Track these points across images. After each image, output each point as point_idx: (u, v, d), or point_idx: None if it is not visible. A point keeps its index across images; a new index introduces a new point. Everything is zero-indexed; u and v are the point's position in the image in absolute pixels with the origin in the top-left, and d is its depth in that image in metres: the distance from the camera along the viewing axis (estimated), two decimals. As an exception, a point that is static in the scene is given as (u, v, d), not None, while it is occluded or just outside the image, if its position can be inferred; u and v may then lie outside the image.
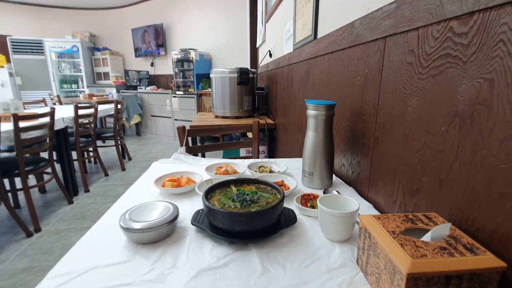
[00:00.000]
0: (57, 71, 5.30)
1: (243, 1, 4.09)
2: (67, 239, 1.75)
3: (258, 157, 1.33)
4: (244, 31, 4.18)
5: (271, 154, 2.13)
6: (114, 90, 5.15)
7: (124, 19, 5.59)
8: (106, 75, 5.51)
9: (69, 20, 5.66)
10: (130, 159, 3.57)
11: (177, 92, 4.51)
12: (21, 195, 2.14)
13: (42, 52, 5.04)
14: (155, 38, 5.06)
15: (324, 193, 0.68)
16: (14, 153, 1.84)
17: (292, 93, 1.43)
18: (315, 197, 0.62)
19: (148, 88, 5.05)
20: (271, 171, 0.82)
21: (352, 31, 0.71)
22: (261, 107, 2.35)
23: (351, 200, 0.51)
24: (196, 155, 1.13)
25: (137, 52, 5.42)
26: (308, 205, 0.60)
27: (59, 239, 1.75)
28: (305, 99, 1.15)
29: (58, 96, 3.99)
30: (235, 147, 1.37)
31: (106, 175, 2.91)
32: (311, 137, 0.71)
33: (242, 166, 0.83)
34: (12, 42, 4.81)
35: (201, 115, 2.39)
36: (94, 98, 4.57)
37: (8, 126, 1.71)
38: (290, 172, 0.84)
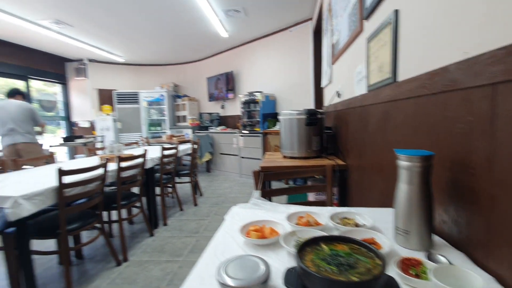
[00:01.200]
0: (147, 116, 6.26)
1: (306, 46, 4.29)
2: (149, 271, 1.89)
3: (331, 203, 1.27)
4: (307, 72, 4.31)
5: (343, 197, 2.00)
6: (190, 131, 5.77)
7: (201, 70, 6.41)
8: (184, 118, 6.25)
9: (158, 75, 6.77)
10: (201, 194, 3.81)
11: (244, 131, 4.78)
12: (111, 225, 2.46)
13: (137, 102, 6.08)
14: (226, 84, 5.61)
15: (428, 258, 0.59)
16: (111, 189, 2.17)
17: (367, 135, 1.37)
18: (418, 262, 0.55)
19: (218, 128, 5.50)
20: (356, 225, 0.76)
21: (445, 76, 0.66)
22: (329, 147, 2.29)
23: (472, 275, 0.43)
24: (269, 198, 1.14)
25: (210, 97, 6.06)
26: (411, 272, 0.53)
27: (142, 270, 1.90)
28: (387, 143, 1.08)
29: (147, 138, 4.65)
30: (310, 191, 1.34)
31: (181, 209, 3.15)
32: (405, 191, 0.65)
33: (323, 217, 0.80)
34: (116, 95, 5.96)
35: (270, 155, 2.45)
36: (174, 138, 5.18)
37: (113, 166, 2.04)
38: (378, 226, 0.77)
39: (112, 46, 5.18)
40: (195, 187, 3.74)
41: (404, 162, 0.65)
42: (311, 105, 4.21)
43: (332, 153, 2.29)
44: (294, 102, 4.60)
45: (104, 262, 2.05)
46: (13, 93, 3.34)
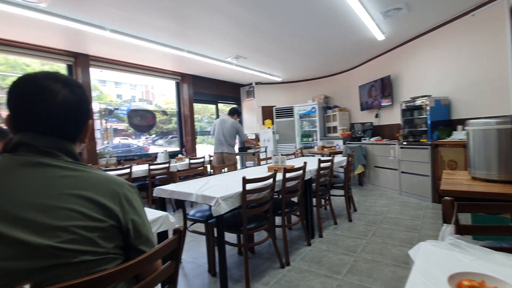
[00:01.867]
0: (300, 128, 6.71)
1: (498, 30, 3.24)
2: (309, 281, 1.97)
3: None
4: (500, 65, 3.24)
5: None
6: (340, 142, 5.67)
7: (352, 79, 6.20)
8: (334, 129, 6.23)
9: (310, 88, 7.13)
10: (355, 210, 3.62)
11: (405, 143, 4.16)
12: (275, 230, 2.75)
13: (292, 115, 6.65)
14: (381, 91, 5.13)
15: None
16: (275, 196, 2.44)
17: None
18: None
19: (372, 139, 5.08)
20: None
21: None
22: (560, 169, 1.57)
23: None
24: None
25: (363, 106, 5.72)
26: None
27: (303, 279, 2.00)
28: None
29: (300, 149, 4.98)
30: (534, 235, 0.96)
31: (335, 223, 3.11)
32: None
33: None
34: (276, 110, 6.77)
35: (450, 174, 1.99)
36: (325, 149, 5.25)
37: (279, 176, 2.30)
38: None
39: (273, 69, 5.96)
40: (349, 201, 3.60)
41: None
42: (510, 109, 3.09)
43: None
44: (479, 106, 3.55)
45: (270, 261, 2.32)
46: (231, 112, 4.48)
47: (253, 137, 7.06)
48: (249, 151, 4.81)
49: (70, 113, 0.72)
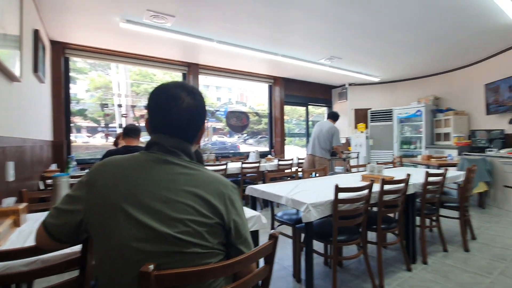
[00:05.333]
0: (399, 133, 5.94)
1: None
2: (409, 313, 1.70)
3: None
4: None
5: None
6: (454, 152, 4.73)
7: (475, 76, 5.09)
8: (446, 136, 5.25)
9: (415, 88, 6.23)
10: (474, 238, 2.94)
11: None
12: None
13: (390, 119, 5.95)
14: (521, 90, 4.00)
15: None
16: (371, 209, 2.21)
17: None
18: None
19: (503, 151, 4.03)
20: None
21: None
22: None
23: None
24: None
25: (490, 109, 4.61)
26: None
27: (401, 308, 1.75)
28: None
29: (400, 157, 4.39)
30: None
31: (445, 250, 2.60)
32: None
33: None
34: (371, 113, 6.20)
35: None
36: (433, 159, 4.47)
37: (376, 187, 2.07)
38: None
39: (369, 68, 5.47)
40: (465, 226, 2.95)
41: None
42: None
43: None
44: None
45: (360, 280, 2.12)
46: (331, 116, 4.47)
47: (344, 141, 6.66)
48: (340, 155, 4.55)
49: (192, 117, 0.82)
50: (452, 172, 2.94)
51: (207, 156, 4.55)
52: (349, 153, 5.19)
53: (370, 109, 6.43)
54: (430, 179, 2.41)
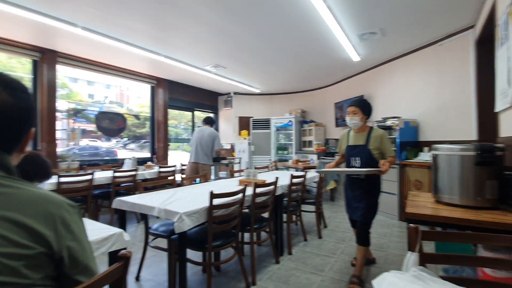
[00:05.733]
0: (276, 140, 6.72)
1: (463, 60, 3.48)
2: (274, 303, 1.88)
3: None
4: (465, 93, 3.46)
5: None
6: (315, 156, 5.73)
7: (329, 96, 6.37)
8: (310, 143, 6.31)
9: (288, 102, 7.22)
10: (325, 226, 3.61)
11: (376, 161, 4.28)
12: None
13: (269, 127, 6.65)
14: (356, 109, 5.29)
15: None
16: (244, 212, 2.36)
17: None
18: None
19: (346, 156, 5.18)
20: None
21: None
22: (514, 196, 1.65)
23: None
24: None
25: (338, 123, 5.87)
26: None
27: (269, 300, 1.92)
28: None
29: (275, 162, 4.95)
30: (491, 267, 0.97)
31: (305, 240, 3.07)
32: None
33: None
34: (253, 121, 6.75)
35: (415, 196, 2.03)
36: (300, 163, 5.27)
37: (249, 190, 2.22)
38: None
39: (251, 80, 5.97)
40: (320, 218, 3.60)
41: None
42: (472, 134, 3.30)
43: (519, 205, 1.64)
44: (445, 129, 3.75)
45: (236, 280, 2.21)
46: (208, 121, 4.36)
47: (229, 147, 6.97)
48: (223, 161, 4.70)
49: (8, 119, 0.62)
50: (311, 174, 3.53)
51: (67, 164, 3.74)
52: (232, 159, 5.45)
53: (252, 117, 7.00)
54: (294, 180, 2.80)
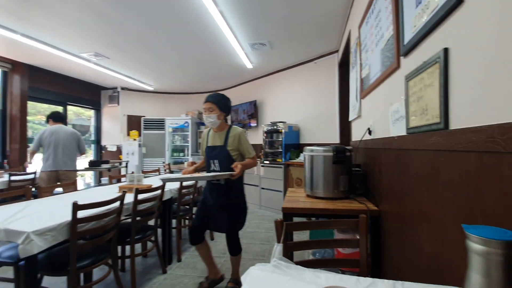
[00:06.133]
0: (171, 142, 6.38)
1: (331, 78, 4.23)
2: (157, 318, 1.73)
3: (367, 263, 1.08)
4: (332, 104, 4.21)
5: (376, 248, 1.77)
6: (211, 159, 5.74)
7: (226, 99, 6.51)
8: (206, 145, 6.27)
9: (185, 102, 7.00)
10: (219, 227, 3.65)
11: (265, 162, 4.66)
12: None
13: (163, 128, 6.24)
14: (249, 113, 5.63)
15: None
16: (126, 221, 2.11)
17: (408, 182, 1.20)
18: None
19: (240, 157, 5.42)
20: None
21: (529, 133, 0.52)
22: (358, 187, 2.09)
23: None
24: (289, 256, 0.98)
25: (234, 124, 6.08)
26: None
27: (150, 316, 1.75)
28: (437, 199, 0.90)
29: (169, 164, 4.68)
30: (341, 246, 1.17)
31: (197, 243, 3.00)
32: (480, 285, 0.49)
33: (364, 299, 0.63)
34: (144, 121, 6.18)
35: (292, 192, 2.29)
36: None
37: (130, 197, 1.98)
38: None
39: (143, 76, 5.46)
40: (213, 219, 3.61)
41: (478, 246, 0.49)
42: (337, 138, 4.04)
43: (361, 194, 2.09)
44: (319, 134, 4.46)
45: (112, 301, 1.92)
46: (58, 118, 3.48)
47: (114, 149, 6.14)
48: (104, 166, 4.08)
49: None
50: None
51: None
52: (119, 162, 4.82)
53: (144, 116, 6.41)
54: (185, 183, 2.70)
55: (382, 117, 1.67)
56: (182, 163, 6.19)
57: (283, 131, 4.50)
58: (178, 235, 2.67)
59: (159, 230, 2.52)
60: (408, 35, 1.17)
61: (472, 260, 0.51)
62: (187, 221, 3.06)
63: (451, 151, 0.82)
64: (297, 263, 1.10)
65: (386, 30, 1.51)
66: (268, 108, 5.47)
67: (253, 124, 5.56)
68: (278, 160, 4.58)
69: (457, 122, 0.81)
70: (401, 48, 1.25)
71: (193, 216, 3.00)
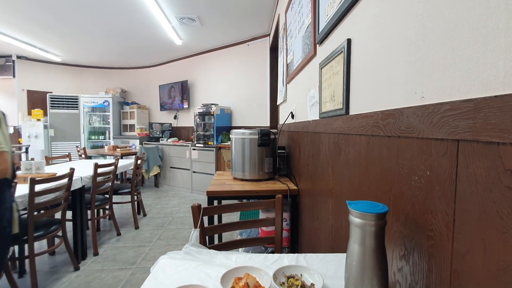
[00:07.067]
0: (88, 123, 5.61)
1: (263, 61, 4.29)
2: (64, 320, 1.55)
3: (281, 239, 1.15)
4: (264, 88, 4.30)
5: (294, 223, 1.92)
6: (137, 142, 5.31)
7: (153, 77, 6.02)
8: (131, 127, 5.75)
9: (103, 78, 6.19)
10: (145, 215, 3.45)
11: (197, 145, 4.55)
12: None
13: (77, 107, 5.42)
14: (180, 94, 5.33)
15: None
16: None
17: (319, 163, 1.30)
18: None
19: (170, 140, 5.16)
20: (303, 286, 0.65)
21: (401, 119, 0.59)
22: (282, 168, 2.22)
23: None
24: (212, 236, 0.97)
25: (163, 106, 5.70)
26: None
27: (56, 319, 1.55)
28: (338, 177, 1.01)
29: (84, 149, 4.12)
30: (255, 226, 1.21)
31: (119, 234, 2.78)
32: (357, 253, 0.55)
33: (266, 276, 0.66)
34: (51, 98, 5.24)
35: (220, 175, 2.29)
36: (118, 149, 4.70)
37: (25, 188, 1.67)
38: (328, 286, 0.66)
39: (47, 43, 4.56)
40: (138, 207, 3.38)
41: (356, 219, 0.55)
42: (267, 121, 4.17)
43: (285, 175, 2.22)
44: (250, 117, 4.53)
45: (6, 310, 1.64)
46: None
47: (11, 131, 5.09)
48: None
49: None
50: (127, 161, 3.20)
51: None
52: (16, 147, 4.01)
53: (50, 92, 5.43)
54: (100, 170, 2.42)
55: (302, 102, 1.77)
56: (102, 147, 5.55)
57: (215, 113, 4.41)
58: (93, 228, 2.40)
59: (70, 224, 2.23)
60: (322, 24, 1.22)
61: (352, 232, 0.57)
62: (106, 211, 2.77)
63: (349, 135, 0.91)
64: (219, 245, 1.10)
65: (306, 17, 1.56)
66: (199, 88, 5.26)
67: (185, 105, 5.30)
68: (209, 143, 4.51)
69: (355, 108, 0.89)
70: (317, 36, 1.31)
71: (113, 205, 2.75)
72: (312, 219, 1.46)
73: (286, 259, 0.80)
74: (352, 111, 0.91)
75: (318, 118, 1.32)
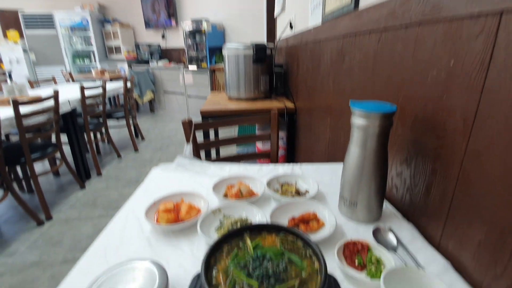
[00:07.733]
0: (69, 45, 5.16)
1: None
2: (77, 229, 1.69)
3: (277, 154, 1.14)
4: (260, 1, 3.78)
5: (291, 142, 1.92)
6: (126, 65, 4.99)
7: (133, -13, 5.24)
8: (117, 49, 5.31)
9: (77, -10, 5.38)
10: (143, 138, 3.48)
11: (190, 67, 4.28)
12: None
13: (53, 26, 4.88)
14: (166, 8, 4.74)
15: (374, 235, 0.49)
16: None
17: (319, 76, 1.20)
18: (363, 247, 0.44)
19: (160, 63, 4.84)
20: (297, 192, 0.64)
21: (426, 0, 0.47)
22: (279, 87, 2.10)
23: (433, 281, 0.33)
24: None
25: (148, 24, 5.14)
26: (356, 262, 0.42)
27: (70, 229, 1.69)
28: (340, 88, 0.92)
29: (70, 73, 3.88)
30: (251, 141, 1.19)
31: (119, 156, 2.85)
32: (356, 156, 0.51)
33: (260, 184, 0.65)
34: (24, 17, 4.66)
35: (214, 96, 2.19)
36: (106, 74, 4.44)
37: (11, 111, 1.60)
38: (322, 192, 0.65)
39: None
40: (135, 131, 3.38)
41: (359, 121, 0.49)
42: (264, 38, 3.82)
43: (282, 94, 2.13)
44: (245, 34, 4.13)
45: (22, 222, 1.77)
46: None
47: (-13, 54, 4.70)
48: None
49: None
50: (116, 84, 3.04)
51: None
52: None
53: (21, 9, 4.79)
54: (88, 92, 2.30)
55: (303, 7, 1.53)
56: (89, 71, 5.23)
57: (206, 31, 4.00)
58: (92, 150, 2.43)
59: (70, 149, 2.23)
60: None
61: (354, 134, 0.52)
62: (103, 135, 2.77)
63: (356, 35, 0.78)
64: (214, 160, 1.10)
65: None
66: (187, 1, 4.64)
67: (173, 23, 4.76)
68: (203, 65, 4.23)
69: (365, 1, 0.74)
70: None
71: (109, 129, 2.72)
72: (310, 134, 1.43)
73: (281, 168, 0.78)
74: (363, 4, 0.76)
75: (320, 22, 1.14)
